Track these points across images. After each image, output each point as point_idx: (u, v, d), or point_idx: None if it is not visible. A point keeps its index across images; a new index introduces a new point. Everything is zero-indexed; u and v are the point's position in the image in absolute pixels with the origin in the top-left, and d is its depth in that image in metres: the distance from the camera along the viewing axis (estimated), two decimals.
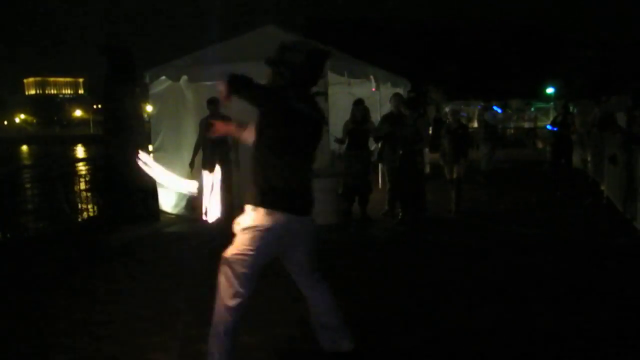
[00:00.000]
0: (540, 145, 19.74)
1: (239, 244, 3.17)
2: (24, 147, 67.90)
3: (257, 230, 3.12)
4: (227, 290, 3.16)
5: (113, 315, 4.63)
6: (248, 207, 3.19)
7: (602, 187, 9.75)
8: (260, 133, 3.20)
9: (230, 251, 3.19)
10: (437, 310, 4.57)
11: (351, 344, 3.45)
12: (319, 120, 3.29)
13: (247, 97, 3.08)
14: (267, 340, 4.01)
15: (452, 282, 5.30)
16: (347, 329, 3.46)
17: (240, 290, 3.15)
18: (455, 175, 8.56)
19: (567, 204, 9.34)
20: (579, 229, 7.53)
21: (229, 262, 3.17)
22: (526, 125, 21.94)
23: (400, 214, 8.06)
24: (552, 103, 31.53)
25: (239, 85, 3.03)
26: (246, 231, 3.15)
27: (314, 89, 3.33)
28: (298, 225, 3.21)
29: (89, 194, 9.02)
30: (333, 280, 4.13)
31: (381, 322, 4.31)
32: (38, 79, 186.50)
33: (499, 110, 16.12)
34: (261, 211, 3.13)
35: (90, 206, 9.08)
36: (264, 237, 3.13)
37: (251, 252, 3.13)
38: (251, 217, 3.16)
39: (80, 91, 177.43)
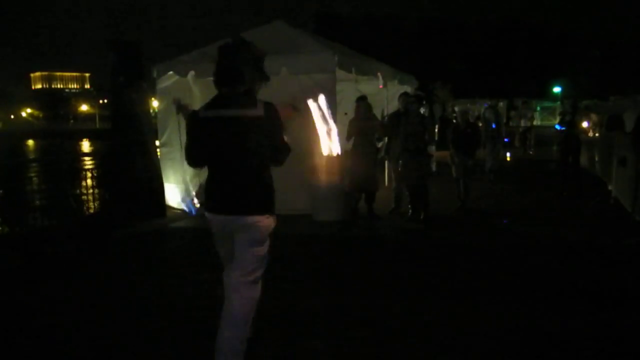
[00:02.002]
0: (531, 152, 18.58)
1: None
2: (30, 141, 68.03)
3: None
4: None
5: (117, 311, 4.63)
6: None
7: (610, 188, 9.70)
8: None
9: None
10: (443, 310, 4.54)
11: None
12: (236, 117, 3.17)
13: None
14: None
15: (458, 282, 5.28)
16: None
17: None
18: (462, 173, 8.66)
19: (574, 204, 9.29)
20: (587, 229, 7.47)
21: None
22: (513, 123, 20.72)
23: (410, 211, 8.03)
24: (558, 102, 31.25)
25: None
26: None
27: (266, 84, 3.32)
28: (221, 224, 3.28)
29: (95, 189, 9.00)
30: (338, 278, 4.09)
31: (385, 321, 4.30)
32: (45, 73, 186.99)
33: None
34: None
35: (96, 201, 9.06)
36: (213, 235, 3.43)
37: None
38: None
39: (87, 86, 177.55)
